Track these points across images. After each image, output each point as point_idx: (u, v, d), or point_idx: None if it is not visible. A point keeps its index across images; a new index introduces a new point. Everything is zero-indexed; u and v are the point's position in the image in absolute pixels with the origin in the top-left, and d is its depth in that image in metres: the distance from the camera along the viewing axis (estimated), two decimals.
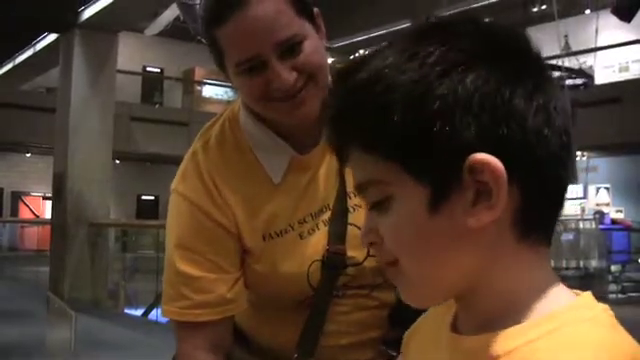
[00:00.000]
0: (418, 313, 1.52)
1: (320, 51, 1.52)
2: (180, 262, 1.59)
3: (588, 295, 0.86)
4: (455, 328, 0.94)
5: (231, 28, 1.45)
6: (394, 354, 1.54)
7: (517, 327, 0.83)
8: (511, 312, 0.85)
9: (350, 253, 1.59)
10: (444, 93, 0.81)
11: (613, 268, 14.24)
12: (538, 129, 0.83)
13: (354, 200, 1.61)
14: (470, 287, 0.87)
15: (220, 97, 22.54)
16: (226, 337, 1.63)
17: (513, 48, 0.87)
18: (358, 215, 1.60)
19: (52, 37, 13.14)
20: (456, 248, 0.85)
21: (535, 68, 0.87)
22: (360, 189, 0.91)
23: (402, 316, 1.59)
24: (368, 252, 1.59)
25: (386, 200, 0.86)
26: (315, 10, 1.53)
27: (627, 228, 15.38)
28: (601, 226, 13.81)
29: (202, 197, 1.59)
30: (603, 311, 0.84)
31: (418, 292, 0.90)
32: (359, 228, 1.58)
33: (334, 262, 1.59)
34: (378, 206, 0.88)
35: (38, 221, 22.28)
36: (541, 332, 0.81)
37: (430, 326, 1.04)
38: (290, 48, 1.46)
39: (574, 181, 0.89)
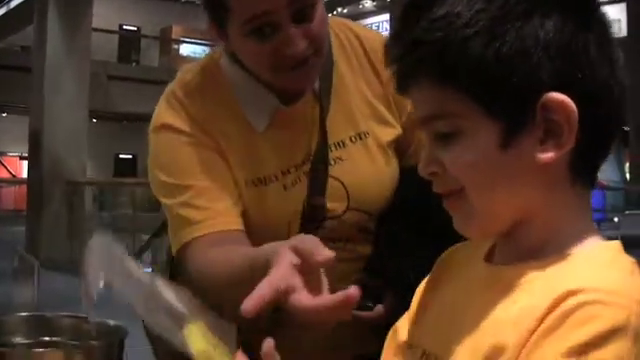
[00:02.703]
0: (393, 265, 1.55)
1: (326, 21, 1.52)
2: (179, 209, 1.54)
3: (618, 243, 0.93)
4: (489, 260, 1.01)
5: None
6: (370, 304, 1.56)
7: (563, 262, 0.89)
8: (551, 247, 0.91)
9: (329, 205, 1.59)
10: (526, 33, 0.87)
11: None
12: (605, 79, 0.89)
13: (335, 153, 1.60)
14: (521, 220, 0.93)
15: (198, 55, 22.36)
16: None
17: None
18: (339, 168, 1.60)
19: None
20: (520, 182, 0.91)
21: (601, 20, 0.92)
22: (425, 120, 0.95)
23: (376, 268, 1.61)
24: (347, 205, 1.60)
25: (455, 133, 0.91)
26: None
27: (602, 187, 15.49)
28: None
29: (193, 126, 1.56)
30: (628, 260, 0.90)
31: (478, 222, 0.95)
32: (340, 181, 1.59)
33: (313, 214, 1.58)
34: (445, 138, 0.92)
35: (15, 181, 22.16)
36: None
37: (463, 256, 1.09)
38: (303, 11, 1.44)
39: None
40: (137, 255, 11.52)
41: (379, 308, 1.55)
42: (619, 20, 18.35)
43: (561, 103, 0.86)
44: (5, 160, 25.14)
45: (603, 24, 0.92)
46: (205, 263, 1.47)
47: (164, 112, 1.60)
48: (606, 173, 19.13)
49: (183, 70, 1.67)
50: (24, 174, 18.62)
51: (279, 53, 1.45)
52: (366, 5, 23.78)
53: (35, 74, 11.26)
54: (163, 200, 1.58)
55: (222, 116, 1.59)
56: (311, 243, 1.13)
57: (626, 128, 18.44)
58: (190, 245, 1.52)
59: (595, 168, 0.95)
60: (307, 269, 1.09)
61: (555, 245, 0.91)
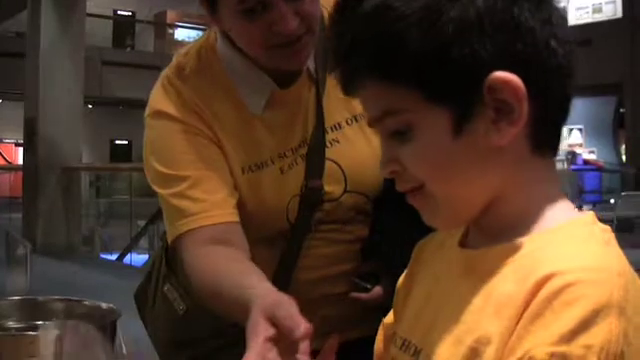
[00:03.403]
0: (390, 246, 1.55)
1: None
2: (174, 200, 1.53)
3: (591, 214, 0.91)
4: (463, 245, 0.99)
5: None
6: (368, 286, 1.56)
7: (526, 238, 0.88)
8: (521, 223, 0.90)
9: (327, 188, 1.58)
10: (457, 16, 0.84)
11: (585, 208, 14.41)
12: (546, 41, 0.87)
13: (331, 135, 1.60)
14: (491, 202, 0.91)
15: (192, 40, 22.31)
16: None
17: None
18: (335, 150, 1.59)
19: None
20: (481, 167, 0.89)
21: None
22: (376, 120, 0.93)
23: (374, 249, 1.61)
24: (345, 188, 1.59)
25: (407, 128, 0.89)
26: None
27: (599, 169, 15.52)
28: (573, 167, 13.91)
29: (188, 114, 1.55)
30: (602, 230, 0.88)
31: (444, 214, 0.93)
32: (337, 164, 1.59)
33: (311, 197, 1.58)
34: (398, 135, 0.91)
35: (10, 167, 22.11)
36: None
37: (437, 243, 1.08)
38: None
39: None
40: (134, 240, 11.53)
41: (377, 289, 1.56)
42: (614, 1, 18.35)
43: (507, 82, 0.84)
44: (0, 147, 25.09)
45: None
46: (197, 267, 1.48)
47: (159, 98, 1.59)
48: (602, 155, 19.19)
49: (178, 54, 1.66)
50: (20, 161, 18.60)
51: (270, 31, 1.43)
52: None
53: (29, 60, 11.21)
54: (158, 190, 1.56)
55: (218, 100, 1.58)
56: (287, 310, 1.07)
57: (622, 110, 18.48)
58: (185, 237, 1.51)
59: (557, 132, 0.93)
60: (283, 338, 1.05)
61: (527, 222, 0.90)
